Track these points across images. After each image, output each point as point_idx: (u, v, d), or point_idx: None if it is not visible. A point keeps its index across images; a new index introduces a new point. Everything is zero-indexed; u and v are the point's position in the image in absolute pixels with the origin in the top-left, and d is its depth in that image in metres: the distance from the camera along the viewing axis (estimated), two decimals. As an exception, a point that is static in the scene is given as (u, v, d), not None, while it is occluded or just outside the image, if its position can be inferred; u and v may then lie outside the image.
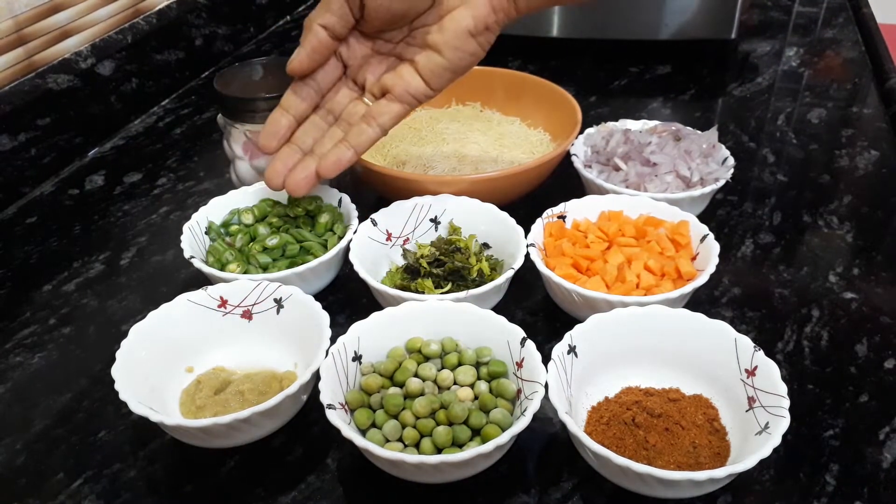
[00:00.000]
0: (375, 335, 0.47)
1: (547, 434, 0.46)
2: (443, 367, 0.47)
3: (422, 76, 0.50)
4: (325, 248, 0.56)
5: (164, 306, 0.49)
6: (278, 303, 0.50)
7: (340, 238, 0.57)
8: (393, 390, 0.45)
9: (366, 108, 0.52)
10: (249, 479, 0.44)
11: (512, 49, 0.93)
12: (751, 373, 0.44)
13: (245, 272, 0.54)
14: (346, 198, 0.59)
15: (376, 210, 0.58)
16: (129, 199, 0.71)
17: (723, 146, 0.64)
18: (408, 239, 0.59)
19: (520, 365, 0.45)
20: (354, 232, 0.55)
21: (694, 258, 0.54)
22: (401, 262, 0.58)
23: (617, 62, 0.90)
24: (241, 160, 0.64)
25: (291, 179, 0.52)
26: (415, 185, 0.59)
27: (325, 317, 0.47)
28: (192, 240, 0.56)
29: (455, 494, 0.43)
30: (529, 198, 0.62)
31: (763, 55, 0.93)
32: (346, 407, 0.44)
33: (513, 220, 0.56)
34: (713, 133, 0.64)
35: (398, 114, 0.51)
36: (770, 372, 0.43)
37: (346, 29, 0.51)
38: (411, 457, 0.38)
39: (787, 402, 0.41)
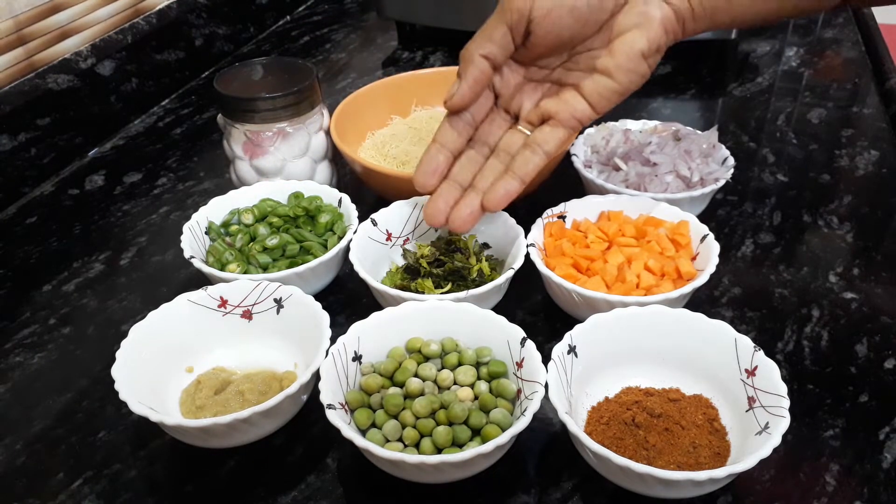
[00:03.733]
0: (375, 335, 0.47)
1: (547, 434, 0.46)
2: (443, 367, 0.47)
3: (588, 100, 0.49)
4: (325, 248, 0.56)
5: (164, 306, 0.49)
6: (278, 303, 0.50)
7: (340, 238, 0.57)
8: (393, 390, 0.45)
9: (525, 137, 0.51)
10: (249, 479, 0.44)
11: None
12: (751, 373, 0.44)
13: (245, 272, 0.54)
14: (346, 198, 0.59)
15: (376, 210, 0.58)
16: (129, 199, 0.71)
17: (723, 146, 0.64)
18: (408, 239, 0.59)
19: (520, 365, 0.45)
20: (354, 232, 0.55)
21: (694, 258, 0.54)
22: (401, 262, 0.58)
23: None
24: (241, 160, 0.64)
25: (457, 217, 0.51)
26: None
27: (325, 317, 0.47)
28: (192, 240, 0.56)
29: (455, 494, 0.43)
30: (529, 198, 0.62)
31: (763, 55, 0.93)
32: (346, 407, 0.44)
33: (513, 220, 0.56)
34: (713, 133, 0.64)
35: (562, 140, 0.50)
36: (770, 372, 0.43)
37: (505, 58, 0.50)
38: (411, 457, 0.38)
39: (787, 402, 0.41)
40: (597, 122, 0.68)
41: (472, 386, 0.46)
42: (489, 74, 0.50)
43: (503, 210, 0.57)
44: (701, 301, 0.55)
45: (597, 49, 0.49)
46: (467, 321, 0.48)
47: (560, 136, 0.50)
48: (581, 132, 0.65)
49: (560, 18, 0.47)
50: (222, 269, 0.54)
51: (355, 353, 0.46)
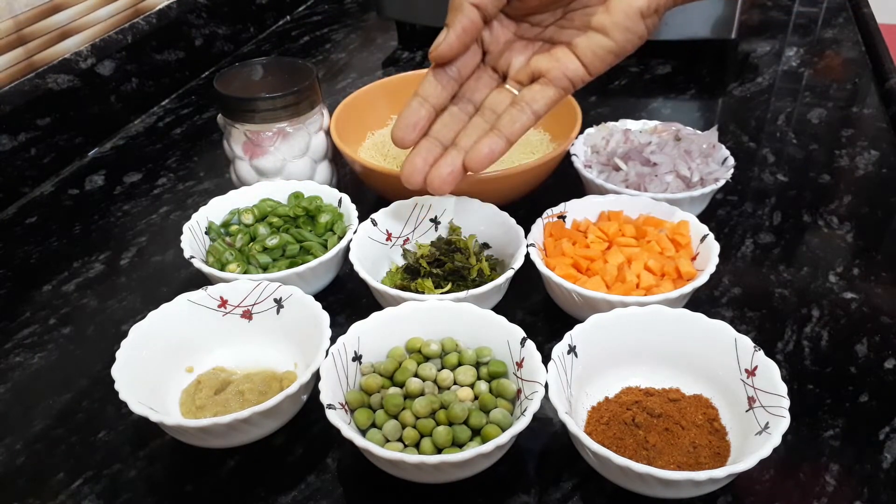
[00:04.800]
0: (375, 335, 0.47)
1: (547, 434, 0.46)
2: (443, 367, 0.47)
3: (581, 60, 0.46)
4: (325, 248, 0.56)
5: (164, 306, 0.49)
6: (278, 303, 0.50)
7: (340, 238, 0.57)
8: (393, 390, 0.45)
9: (513, 96, 0.48)
10: (249, 479, 0.44)
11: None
12: (751, 373, 0.44)
13: (245, 272, 0.54)
14: (346, 198, 0.59)
15: (376, 210, 0.58)
16: (129, 199, 0.71)
17: (723, 146, 0.64)
18: (408, 239, 0.59)
19: (520, 365, 0.45)
20: (354, 232, 0.55)
21: (694, 258, 0.54)
22: (401, 262, 0.58)
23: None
24: (242, 160, 0.64)
25: (436, 176, 0.49)
26: (415, 185, 0.59)
27: (325, 317, 0.47)
28: (192, 240, 0.56)
29: (455, 494, 0.43)
30: (529, 198, 0.62)
31: (763, 55, 0.93)
32: (346, 407, 0.44)
33: (513, 220, 0.56)
34: (713, 133, 0.64)
35: (553, 99, 0.47)
36: (770, 372, 0.43)
37: (497, 10, 0.47)
38: (411, 457, 0.38)
39: (787, 402, 0.41)
40: (595, 122, 0.68)
41: (472, 386, 0.46)
42: (479, 25, 0.47)
43: (503, 210, 0.57)
44: (701, 301, 0.55)
45: (593, 6, 0.47)
46: (467, 321, 0.48)
47: (550, 96, 0.47)
48: (581, 132, 0.65)
49: None
50: (222, 269, 0.54)
51: (355, 353, 0.46)
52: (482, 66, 0.50)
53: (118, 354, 0.45)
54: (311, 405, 0.46)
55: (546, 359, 0.44)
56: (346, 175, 0.72)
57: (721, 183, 0.60)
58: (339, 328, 0.47)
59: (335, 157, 0.67)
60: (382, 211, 0.58)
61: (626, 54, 0.47)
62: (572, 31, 0.48)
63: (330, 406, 0.41)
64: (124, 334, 0.47)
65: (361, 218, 0.57)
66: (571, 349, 0.45)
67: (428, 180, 0.49)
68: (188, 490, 0.44)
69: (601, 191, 0.60)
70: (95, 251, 0.64)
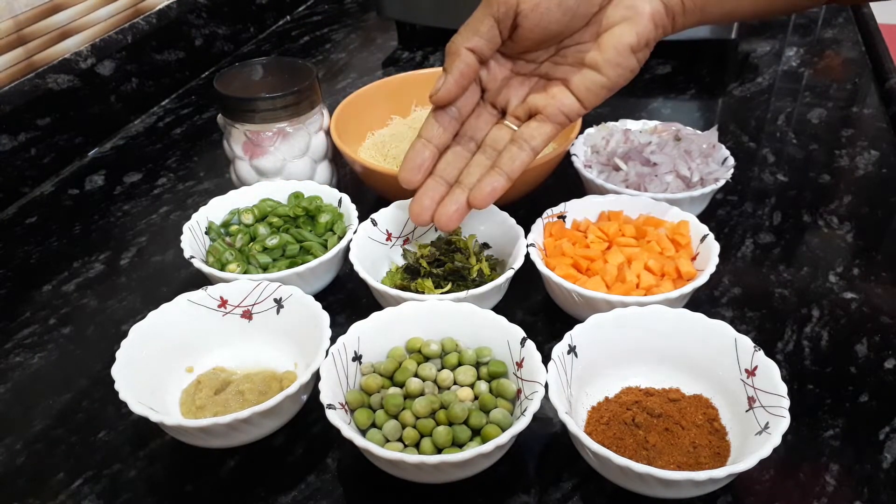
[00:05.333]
0: (375, 335, 0.47)
1: (547, 434, 0.46)
2: (443, 367, 0.47)
3: (576, 95, 0.48)
4: (325, 248, 0.56)
5: (164, 306, 0.49)
6: (278, 303, 0.50)
7: (340, 238, 0.57)
8: (393, 390, 0.45)
9: (512, 132, 0.50)
10: (249, 479, 0.44)
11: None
12: (751, 373, 0.44)
13: (245, 272, 0.54)
14: (346, 198, 0.59)
15: (376, 210, 0.58)
16: (129, 199, 0.71)
17: (723, 146, 0.64)
18: (408, 239, 0.59)
19: (520, 365, 0.45)
20: (354, 232, 0.55)
21: (694, 258, 0.54)
22: (401, 262, 0.58)
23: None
24: (242, 160, 0.64)
25: (443, 214, 0.50)
26: (415, 185, 0.59)
27: (325, 317, 0.47)
28: (192, 240, 0.56)
29: (455, 494, 0.43)
30: (529, 198, 0.62)
31: (763, 55, 0.93)
32: (346, 407, 0.44)
33: (513, 220, 0.56)
34: (713, 133, 0.64)
35: (549, 135, 0.49)
36: (770, 372, 0.43)
37: (492, 51, 0.49)
38: (411, 457, 0.38)
39: (787, 402, 0.41)
40: (595, 122, 0.68)
41: (472, 386, 0.46)
42: (475, 68, 0.49)
43: (503, 210, 0.57)
44: (701, 301, 0.55)
45: (585, 43, 0.48)
46: (467, 321, 0.48)
47: (547, 132, 0.49)
48: (581, 132, 0.65)
49: (548, 11, 0.46)
50: (222, 269, 0.54)
51: (355, 353, 0.46)
52: (482, 103, 0.52)
53: (118, 354, 0.45)
54: (311, 405, 0.46)
55: (546, 359, 0.44)
56: (346, 175, 0.72)
57: (721, 183, 0.60)
58: (339, 328, 0.47)
59: (335, 157, 0.67)
60: (382, 211, 0.58)
61: (618, 88, 0.49)
62: (566, 67, 0.49)
63: (330, 406, 0.41)
64: (124, 334, 0.47)
65: (361, 218, 0.57)
66: (571, 349, 0.45)
67: (435, 218, 0.51)
68: (188, 490, 0.44)
69: (601, 191, 0.60)
70: (95, 251, 0.64)
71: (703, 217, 0.60)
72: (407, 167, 0.52)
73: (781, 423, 0.39)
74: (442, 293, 0.52)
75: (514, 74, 0.51)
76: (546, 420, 0.47)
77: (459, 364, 0.47)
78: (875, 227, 0.63)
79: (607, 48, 0.47)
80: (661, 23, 0.47)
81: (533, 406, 0.41)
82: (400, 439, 0.43)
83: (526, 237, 0.54)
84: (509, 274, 0.51)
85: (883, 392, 0.48)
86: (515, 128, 0.50)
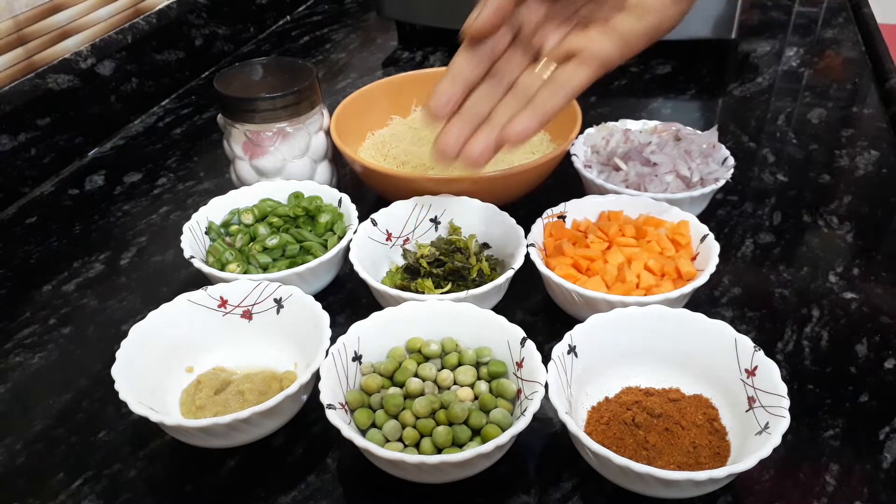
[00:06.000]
0: (375, 335, 0.47)
1: (547, 434, 0.46)
2: (443, 367, 0.47)
3: (615, 41, 0.46)
4: (325, 248, 0.56)
5: (165, 306, 0.49)
6: (278, 303, 0.50)
7: (340, 238, 0.57)
8: (393, 390, 0.45)
9: (546, 76, 0.47)
10: (249, 479, 0.44)
11: (512, 49, 0.93)
12: (751, 373, 0.44)
13: (245, 272, 0.54)
14: (346, 198, 0.59)
15: (376, 210, 0.58)
16: (129, 199, 0.71)
17: (723, 146, 0.64)
18: (408, 239, 0.59)
19: (520, 365, 0.45)
20: (354, 232, 0.55)
21: (694, 258, 0.54)
22: (401, 262, 0.58)
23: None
24: (242, 160, 0.64)
25: (472, 150, 0.47)
26: (415, 185, 0.59)
27: (325, 317, 0.47)
28: (192, 240, 0.56)
29: (455, 494, 0.43)
30: (529, 198, 0.62)
31: (763, 55, 0.93)
32: (346, 407, 0.44)
33: (513, 220, 0.56)
34: (713, 133, 0.64)
35: (586, 80, 0.46)
36: (770, 372, 0.43)
37: None
38: (411, 457, 0.38)
39: (787, 402, 0.41)
40: (595, 122, 0.68)
41: (472, 386, 0.46)
42: (512, 1, 0.46)
43: (503, 210, 0.57)
44: (701, 301, 0.55)
45: None
46: (467, 321, 0.48)
47: (584, 76, 0.46)
48: (581, 132, 0.65)
49: None
50: (222, 269, 0.54)
51: (355, 353, 0.46)
52: (514, 44, 0.50)
53: (118, 354, 0.45)
54: (311, 405, 0.46)
55: (546, 359, 0.44)
56: (346, 175, 0.72)
57: (721, 183, 0.60)
58: (339, 328, 0.47)
59: (335, 157, 0.67)
60: (382, 211, 0.58)
61: (660, 36, 0.46)
62: (606, 10, 0.47)
63: (330, 406, 0.41)
64: (124, 334, 0.47)
65: (361, 218, 0.57)
66: (571, 349, 0.45)
67: (463, 154, 0.48)
68: (188, 490, 0.44)
69: (601, 191, 0.60)
70: (95, 251, 0.64)
71: (703, 217, 0.60)
72: (434, 99, 0.49)
73: (781, 423, 0.39)
74: (442, 293, 0.52)
75: (550, 16, 0.49)
76: (546, 420, 0.47)
77: (459, 364, 0.47)
78: (875, 227, 0.63)
79: None
80: None
81: (533, 406, 0.41)
82: (400, 439, 0.43)
83: (526, 237, 0.54)
84: (509, 274, 0.51)
85: (883, 392, 0.48)
86: (549, 71, 0.48)
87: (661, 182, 0.60)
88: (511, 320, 0.47)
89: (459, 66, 0.49)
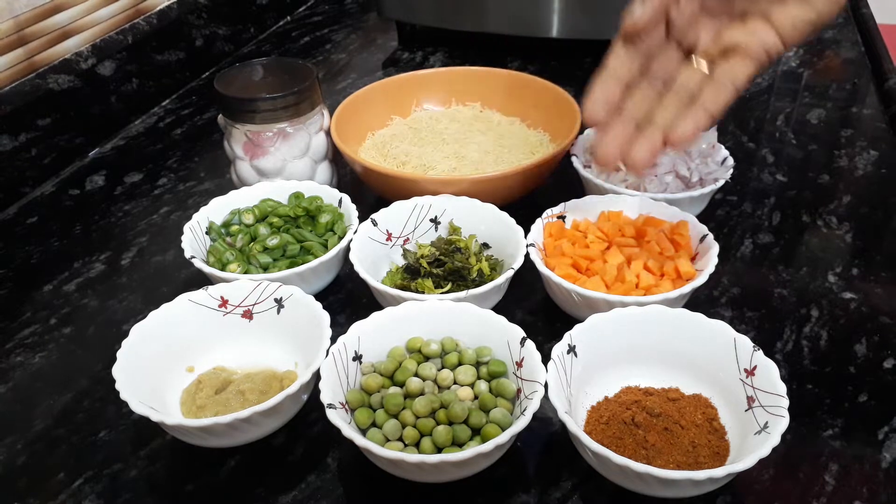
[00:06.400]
0: (375, 335, 0.47)
1: (547, 434, 0.46)
2: (443, 367, 0.47)
3: (779, 31, 0.44)
4: (326, 248, 0.57)
5: (165, 306, 0.49)
6: (279, 303, 0.50)
7: (340, 238, 0.57)
8: (393, 390, 0.46)
9: (708, 71, 0.46)
10: (249, 479, 0.44)
11: (512, 49, 0.93)
12: (750, 372, 0.44)
13: (245, 272, 0.54)
14: (346, 198, 0.59)
15: (376, 210, 0.58)
16: (129, 199, 0.71)
17: (722, 146, 0.64)
18: (408, 239, 0.59)
19: (520, 365, 0.45)
20: (354, 232, 0.56)
21: (693, 258, 0.54)
22: (401, 262, 0.58)
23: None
24: (242, 160, 0.64)
25: (637, 154, 0.46)
26: (415, 185, 0.59)
27: (326, 317, 0.47)
28: (193, 240, 0.56)
29: (455, 494, 0.43)
30: (529, 198, 0.62)
31: (763, 55, 0.93)
32: (346, 406, 0.44)
33: (513, 220, 0.56)
34: (713, 133, 0.64)
35: (751, 73, 0.45)
36: (769, 372, 0.43)
37: None
38: (411, 456, 0.39)
39: (786, 402, 0.41)
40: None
41: (472, 385, 0.46)
42: None
43: (503, 210, 0.57)
44: (700, 301, 0.55)
45: None
46: (467, 321, 0.48)
47: (749, 70, 0.45)
48: (581, 132, 0.65)
49: None
50: (223, 269, 0.54)
51: (355, 352, 0.46)
52: (667, 41, 0.48)
53: (119, 354, 0.45)
54: (311, 405, 0.46)
55: (546, 358, 0.44)
56: (347, 175, 0.72)
57: (720, 183, 0.60)
58: (339, 328, 0.48)
59: (335, 158, 0.67)
60: (382, 211, 0.58)
61: (824, 25, 0.45)
62: (765, 2, 0.46)
63: (330, 406, 0.42)
64: (125, 334, 0.47)
65: (361, 218, 0.57)
66: (571, 349, 0.45)
67: (628, 159, 0.47)
68: (188, 490, 0.44)
69: (601, 191, 0.60)
70: (96, 251, 0.64)
71: (702, 217, 0.60)
72: (592, 100, 0.47)
73: (781, 423, 0.40)
74: (442, 293, 0.52)
75: (703, 11, 0.48)
76: (546, 420, 0.47)
77: (459, 364, 0.47)
78: (874, 227, 0.63)
79: None
80: None
81: (533, 406, 0.41)
82: (400, 439, 0.43)
83: (526, 237, 0.54)
84: (509, 274, 0.51)
85: (882, 392, 0.48)
86: (705, 66, 0.47)
87: (661, 182, 0.60)
88: (511, 320, 0.47)
89: (613, 64, 0.48)
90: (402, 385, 0.46)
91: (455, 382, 0.46)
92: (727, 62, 0.46)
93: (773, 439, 0.39)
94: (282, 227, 0.58)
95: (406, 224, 0.58)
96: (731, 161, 0.63)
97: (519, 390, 0.45)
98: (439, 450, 0.42)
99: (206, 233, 0.58)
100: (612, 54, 0.48)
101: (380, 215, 0.58)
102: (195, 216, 0.57)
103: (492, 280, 0.52)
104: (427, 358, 0.47)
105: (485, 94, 0.74)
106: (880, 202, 0.66)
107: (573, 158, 0.63)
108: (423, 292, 0.52)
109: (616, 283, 0.52)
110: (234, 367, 0.50)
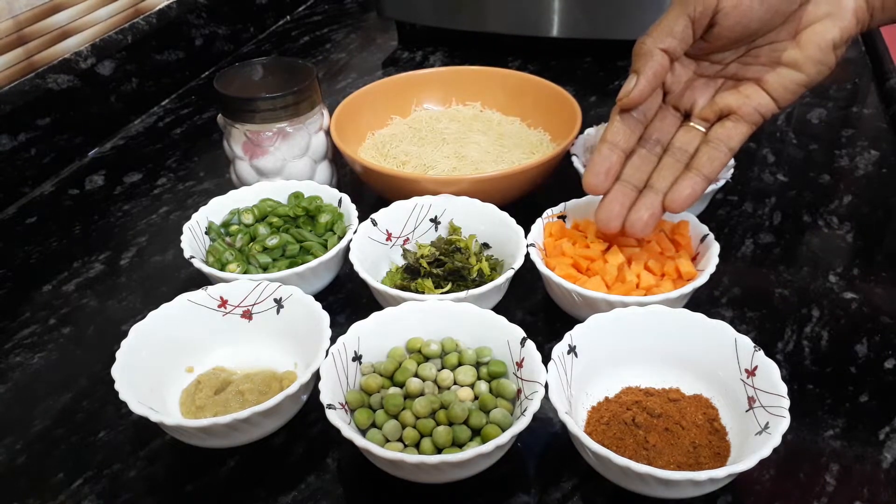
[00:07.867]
0: (375, 335, 0.47)
1: (547, 434, 0.46)
2: (443, 367, 0.47)
3: (771, 94, 0.47)
4: (325, 248, 0.56)
5: (165, 306, 0.49)
6: (278, 303, 0.50)
7: (340, 238, 0.57)
8: (393, 390, 0.45)
9: (705, 134, 0.49)
10: (249, 479, 0.44)
11: (512, 49, 0.93)
12: (751, 373, 0.44)
13: (245, 272, 0.54)
14: (346, 198, 0.59)
15: (376, 210, 0.58)
16: (129, 199, 0.71)
17: (723, 146, 0.63)
18: (408, 239, 0.59)
19: (520, 365, 0.45)
20: (354, 232, 0.55)
21: (694, 258, 0.54)
22: (401, 262, 0.58)
23: (617, 62, 0.90)
24: (242, 160, 0.64)
25: (637, 220, 0.48)
26: (415, 185, 0.59)
27: (325, 317, 0.47)
28: (193, 240, 0.56)
29: (455, 494, 0.43)
30: (529, 198, 0.62)
31: (763, 55, 0.93)
32: (346, 407, 0.44)
33: (513, 220, 0.56)
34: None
35: (746, 135, 0.48)
36: (770, 372, 0.43)
37: (682, 52, 0.48)
38: (411, 457, 0.39)
39: (787, 402, 0.41)
40: (595, 122, 0.68)
41: (472, 386, 0.46)
42: (667, 69, 0.48)
43: (503, 210, 0.57)
44: (701, 301, 0.55)
45: (781, 41, 0.47)
46: (467, 321, 0.48)
47: (743, 132, 0.48)
48: (581, 132, 0.65)
49: (750, 9, 0.45)
50: (222, 269, 0.54)
51: (355, 353, 0.46)
52: (664, 105, 0.51)
53: (118, 354, 0.45)
54: (311, 405, 0.46)
55: (546, 359, 0.44)
56: (346, 175, 0.72)
57: (721, 183, 0.60)
58: (339, 328, 0.47)
59: (335, 157, 0.67)
60: (382, 211, 0.58)
61: (814, 85, 0.48)
62: (758, 67, 0.48)
63: (330, 406, 0.41)
64: (124, 334, 0.47)
65: (361, 218, 0.57)
66: (571, 349, 0.45)
67: (628, 224, 0.49)
68: (188, 490, 0.44)
69: (601, 191, 0.60)
70: (95, 251, 0.64)
71: (703, 217, 0.60)
72: (594, 171, 0.49)
73: (781, 423, 0.39)
74: (442, 293, 0.52)
75: (697, 76, 0.50)
76: (546, 420, 0.47)
77: (459, 364, 0.47)
78: (875, 227, 0.63)
79: (809, 45, 0.46)
80: (861, 18, 0.46)
81: (533, 406, 0.41)
82: (400, 439, 0.43)
83: (526, 237, 0.54)
84: (509, 274, 0.51)
85: (883, 392, 0.48)
86: (702, 129, 0.49)
87: (661, 182, 0.60)
88: (511, 320, 0.47)
89: (615, 134, 0.49)
90: (401, 385, 0.46)
91: (455, 383, 0.46)
92: (722, 126, 0.48)
93: (774, 440, 0.38)
94: (281, 227, 0.58)
95: (406, 224, 0.58)
96: (731, 161, 0.62)
97: (519, 391, 0.45)
98: (439, 450, 0.42)
99: (206, 233, 0.58)
100: (611, 126, 0.49)
101: (380, 215, 0.57)
102: (194, 216, 0.57)
103: (492, 280, 0.51)
104: (427, 358, 0.47)
105: (485, 93, 0.74)
106: (881, 202, 0.66)
107: (573, 158, 0.63)
108: (423, 292, 0.52)
109: (616, 283, 0.52)
110: (233, 367, 0.50)
